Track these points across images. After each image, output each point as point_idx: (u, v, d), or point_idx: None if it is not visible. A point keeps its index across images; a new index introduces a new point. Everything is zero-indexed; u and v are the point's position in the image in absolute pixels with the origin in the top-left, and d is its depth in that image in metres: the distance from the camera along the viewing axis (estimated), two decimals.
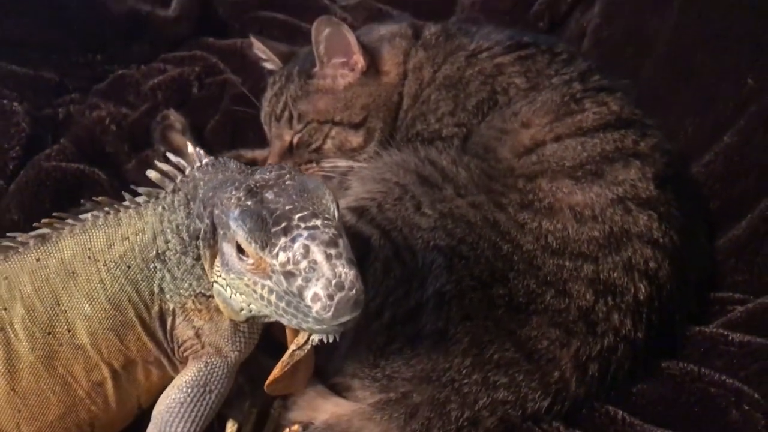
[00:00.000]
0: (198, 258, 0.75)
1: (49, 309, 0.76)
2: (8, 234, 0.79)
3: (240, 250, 0.66)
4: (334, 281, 0.62)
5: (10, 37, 1.37)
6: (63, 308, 0.76)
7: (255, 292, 0.68)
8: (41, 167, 1.19)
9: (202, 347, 0.78)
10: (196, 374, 0.77)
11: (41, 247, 0.77)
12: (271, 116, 1.23)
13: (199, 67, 1.45)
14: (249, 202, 0.66)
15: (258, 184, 0.68)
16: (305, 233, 0.64)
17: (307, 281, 0.63)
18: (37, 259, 0.77)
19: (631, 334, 0.88)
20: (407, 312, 0.90)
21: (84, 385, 0.77)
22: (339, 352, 0.91)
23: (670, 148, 1.03)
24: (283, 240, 0.64)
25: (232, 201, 0.67)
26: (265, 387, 0.78)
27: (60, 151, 1.23)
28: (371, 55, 1.18)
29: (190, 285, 0.76)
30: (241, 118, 1.36)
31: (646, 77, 1.25)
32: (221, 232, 0.68)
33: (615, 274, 0.89)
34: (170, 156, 0.78)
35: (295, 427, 0.88)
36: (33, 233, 0.79)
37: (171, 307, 0.78)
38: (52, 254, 0.77)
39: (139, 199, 0.79)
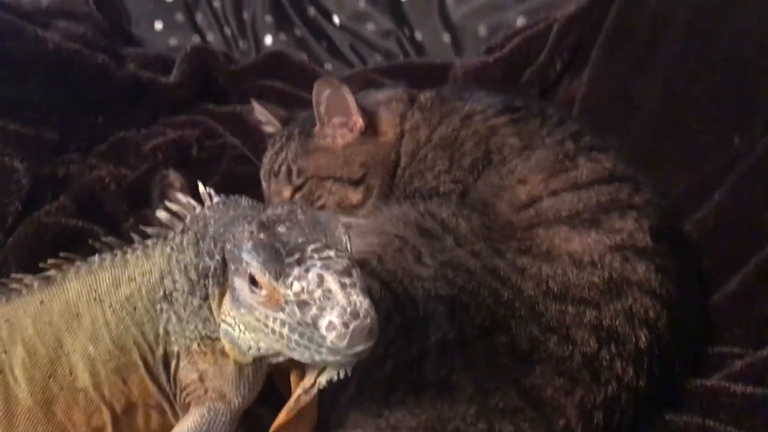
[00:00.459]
0: (206, 298, 0.74)
1: (51, 351, 0.75)
2: (13, 275, 0.79)
3: (253, 282, 0.66)
4: (349, 309, 0.62)
5: (13, 97, 1.39)
6: (66, 350, 0.75)
7: (266, 326, 0.67)
8: (40, 222, 1.19)
9: (205, 392, 0.77)
10: (199, 420, 0.76)
11: (46, 290, 0.77)
12: (270, 173, 1.26)
13: (199, 130, 1.49)
14: (262, 236, 0.67)
15: (270, 219, 0.69)
16: (319, 263, 0.64)
17: (321, 310, 0.63)
18: (41, 302, 0.77)
19: (634, 382, 0.88)
20: (410, 361, 0.89)
21: (83, 431, 0.75)
22: (341, 403, 0.89)
23: (663, 203, 1.05)
24: (297, 270, 0.64)
25: (245, 234, 0.67)
26: None
27: (59, 207, 1.24)
28: (369, 116, 1.22)
29: (196, 327, 0.76)
30: (240, 178, 1.38)
31: (635, 137, 1.28)
32: (233, 267, 0.68)
33: (617, 322, 0.89)
34: (180, 196, 0.79)
35: None
36: (39, 275, 0.78)
37: (175, 350, 0.77)
38: (56, 296, 0.77)
39: (148, 241, 0.79)
